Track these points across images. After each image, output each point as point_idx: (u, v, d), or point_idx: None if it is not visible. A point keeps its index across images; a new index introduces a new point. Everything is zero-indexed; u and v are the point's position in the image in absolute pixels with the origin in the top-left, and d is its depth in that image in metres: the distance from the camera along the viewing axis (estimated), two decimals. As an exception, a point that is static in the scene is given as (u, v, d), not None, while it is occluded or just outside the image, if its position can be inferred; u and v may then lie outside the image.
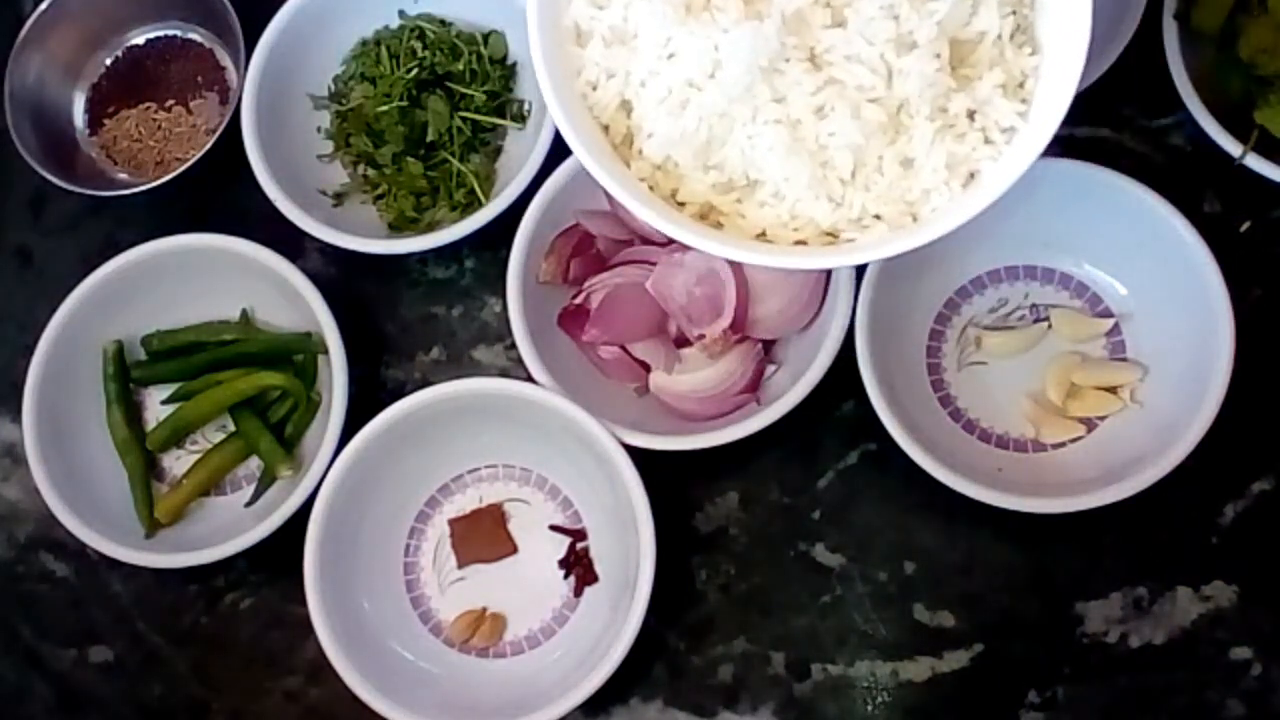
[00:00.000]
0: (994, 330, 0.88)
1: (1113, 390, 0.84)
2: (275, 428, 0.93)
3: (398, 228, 0.96)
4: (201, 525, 0.93)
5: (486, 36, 0.97)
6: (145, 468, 0.94)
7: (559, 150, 0.84)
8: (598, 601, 0.87)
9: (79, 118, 1.06)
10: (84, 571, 0.95)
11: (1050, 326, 0.87)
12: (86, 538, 0.89)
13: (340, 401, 0.88)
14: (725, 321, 0.84)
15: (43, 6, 1.02)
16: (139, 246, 0.93)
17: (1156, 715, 0.81)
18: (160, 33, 1.07)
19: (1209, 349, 0.79)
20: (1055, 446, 0.85)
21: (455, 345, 0.95)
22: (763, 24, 0.71)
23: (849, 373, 0.82)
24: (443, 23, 0.98)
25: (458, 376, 0.88)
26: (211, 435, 0.96)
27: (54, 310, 0.93)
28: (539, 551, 0.89)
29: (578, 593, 0.88)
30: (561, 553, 0.89)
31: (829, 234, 0.75)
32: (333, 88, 1.00)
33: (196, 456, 0.95)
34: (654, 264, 0.86)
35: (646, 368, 0.88)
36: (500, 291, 0.88)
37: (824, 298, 0.85)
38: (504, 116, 0.97)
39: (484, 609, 0.89)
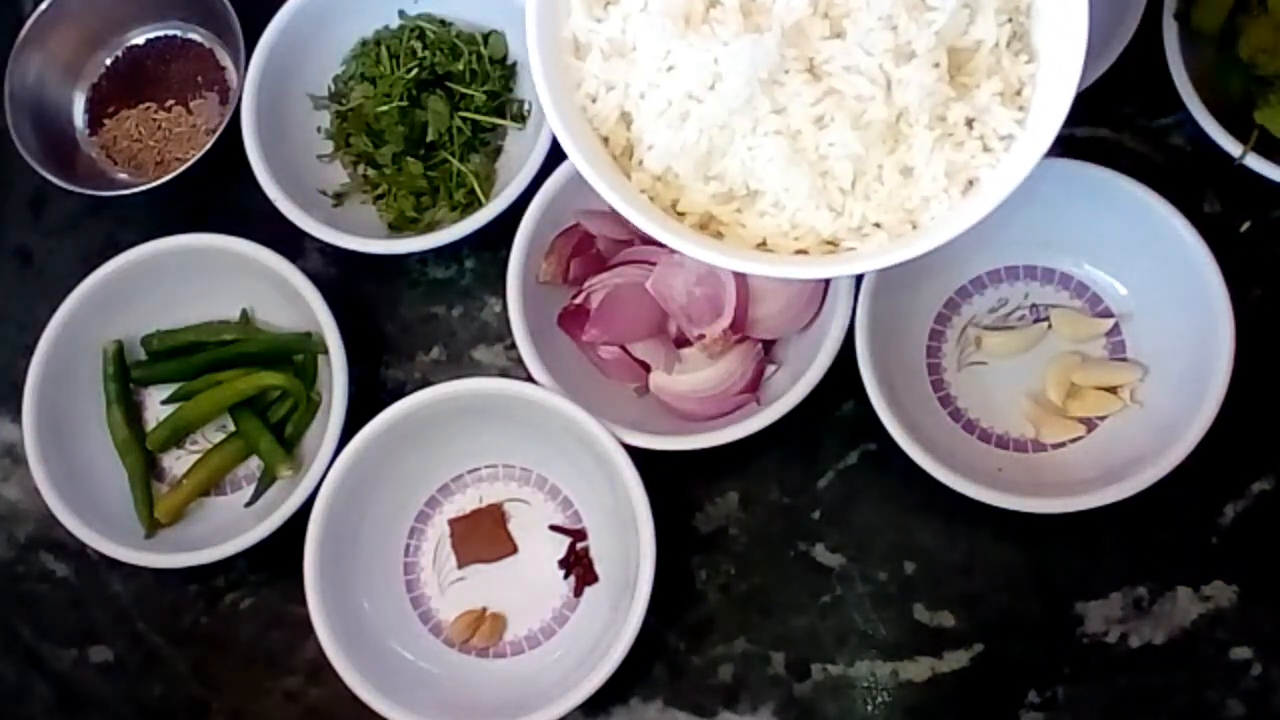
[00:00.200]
0: (994, 330, 0.88)
1: (1113, 390, 0.84)
2: (275, 428, 0.93)
3: (398, 228, 0.96)
4: (201, 525, 0.93)
5: (486, 36, 0.97)
6: (145, 468, 0.94)
7: (559, 150, 0.83)
8: (598, 601, 0.87)
9: (79, 118, 1.06)
10: (84, 571, 0.95)
11: (1050, 326, 0.87)
12: (86, 538, 0.89)
13: (340, 401, 0.88)
14: (725, 321, 0.84)
15: (43, 6, 1.02)
16: (139, 246, 0.93)
17: (1156, 715, 0.81)
18: (160, 33, 1.07)
19: (1209, 349, 0.79)
20: (1055, 446, 0.85)
21: (455, 345, 0.95)
22: (763, 36, 0.71)
23: (849, 373, 0.82)
24: (443, 23, 0.98)
25: (458, 376, 0.88)
26: (211, 435, 0.96)
27: (54, 310, 0.93)
28: (539, 551, 0.89)
29: (578, 593, 0.88)
30: (561, 553, 0.89)
31: (829, 242, 0.75)
32: (333, 88, 1.00)
33: (196, 456, 0.95)
34: (654, 264, 0.86)
35: (646, 368, 0.88)
36: (500, 291, 0.88)
37: (824, 298, 0.86)
38: (504, 116, 0.97)
39: (484, 609, 0.89)
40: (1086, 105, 0.79)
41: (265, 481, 0.93)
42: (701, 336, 0.85)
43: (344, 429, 0.87)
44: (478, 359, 0.95)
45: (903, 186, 0.74)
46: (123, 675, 0.93)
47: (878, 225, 0.74)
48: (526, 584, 0.89)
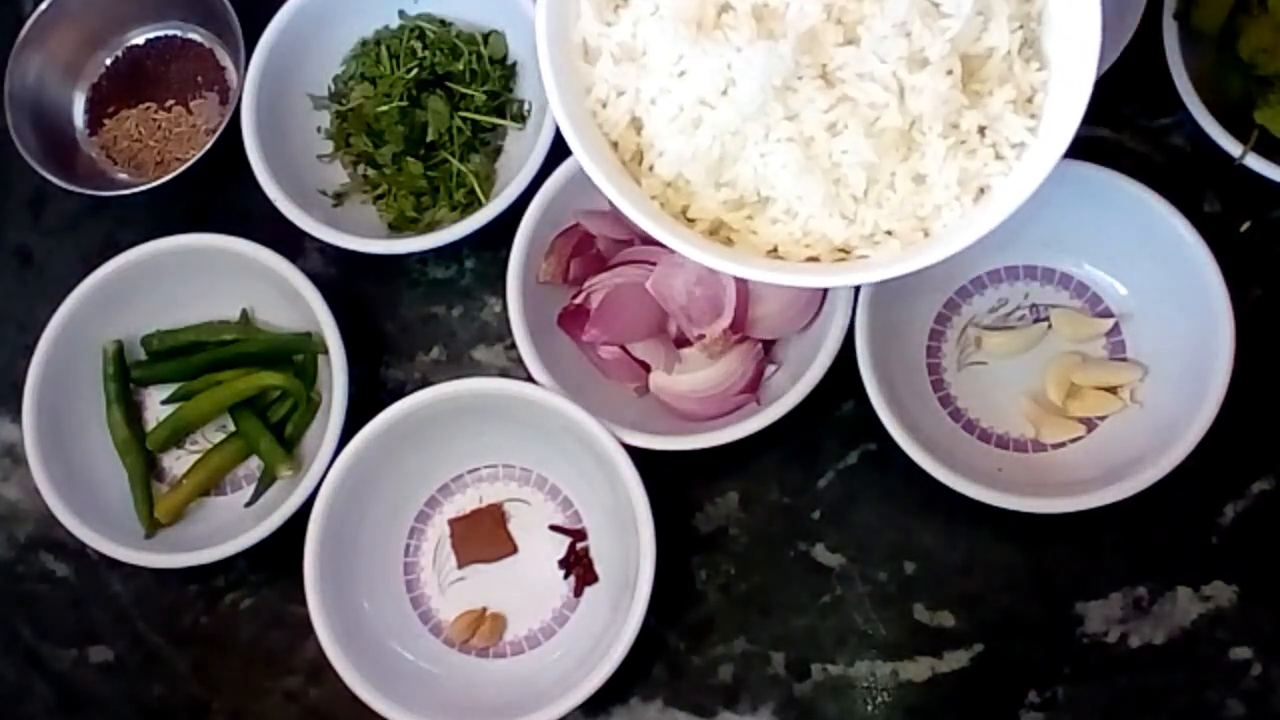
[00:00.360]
0: (994, 330, 0.88)
1: (1113, 390, 0.84)
2: (275, 428, 0.93)
3: (398, 228, 0.96)
4: (201, 525, 0.93)
5: (486, 36, 0.97)
6: (145, 468, 0.94)
7: (559, 150, 0.84)
8: (598, 601, 0.87)
9: (79, 118, 1.06)
10: (84, 571, 0.95)
11: (1050, 326, 0.87)
12: (86, 538, 0.89)
13: (340, 401, 0.88)
14: (725, 321, 0.84)
15: (43, 6, 1.02)
16: (139, 246, 0.93)
17: (1156, 715, 0.81)
18: (160, 33, 1.07)
19: (1209, 349, 0.79)
20: (1055, 446, 0.85)
21: (455, 345, 0.95)
22: (777, 43, 0.71)
23: (849, 373, 0.82)
24: (443, 23, 0.98)
25: (458, 376, 0.88)
26: (211, 435, 0.96)
27: (54, 310, 0.93)
28: (539, 551, 0.89)
29: (578, 593, 0.88)
30: (561, 553, 0.89)
31: (841, 250, 0.75)
32: (333, 88, 1.00)
33: (196, 456, 0.95)
34: (654, 264, 0.86)
35: (646, 368, 0.88)
36: (500, 291, 0.88)
37: (824, 298, 0.85)
38: (504, 116, 0.97)
39: (484, 609, 0.89)
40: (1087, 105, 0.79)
41: (265, 481, 0.93)
42: (701, 336, 0.85)
43: (344, 429, 0.87)
44: (478, 359, 0.95)
45: (915, 194, 0.73)
46: (123, 675, 0.93)
47: (890, 233, 0.74)
48: (526, 584, 0.89)
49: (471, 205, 0.94)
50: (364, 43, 0.99)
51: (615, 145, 0.77)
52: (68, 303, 0.93)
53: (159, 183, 0.96)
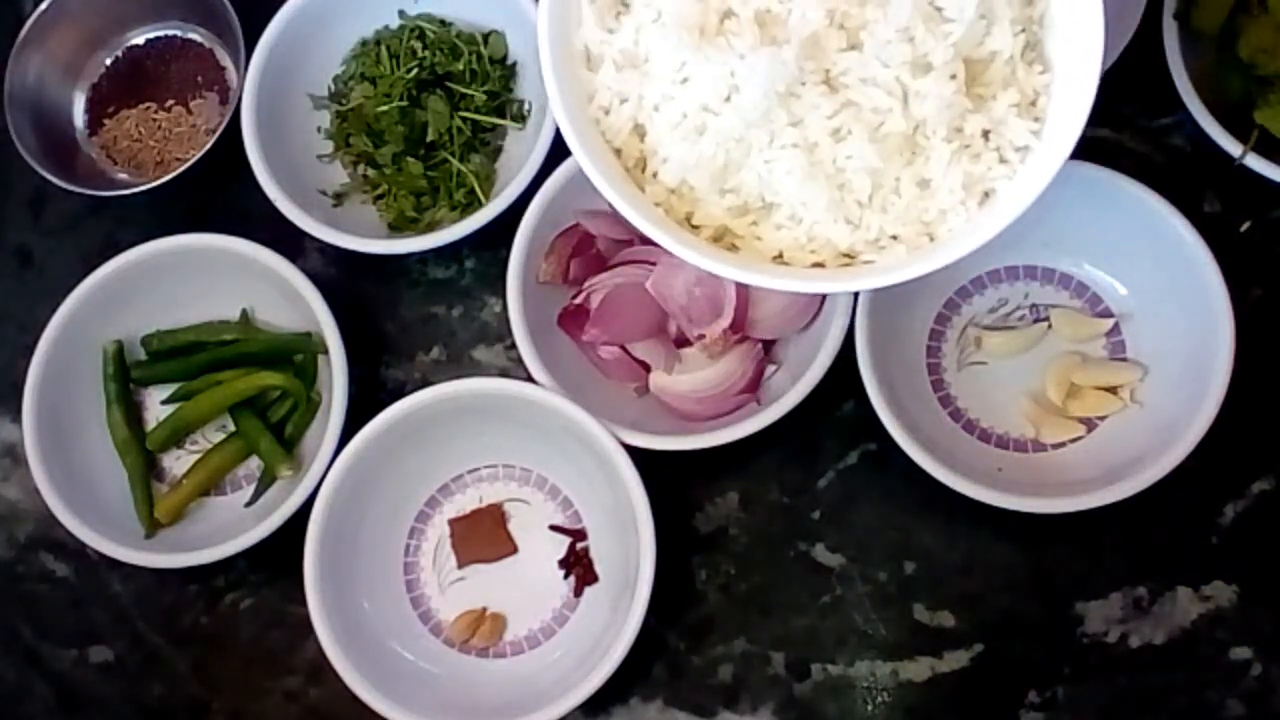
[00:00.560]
0: (994, 330, 0.88)
1: (1113, 390, 0.84)
2: (275, 428, 0.93)
3: (398, 228, 0.96)
4: (201, 525, 0.93)
5: (486, 36, 0.97)
6: (145, 468, 0.94)
7: (559, 150, 0.84)
8: (598, 601, 0.87)
9: (79, 118, 1.06)
10: (84, 571, 0.95)
11: (1050, 326, 0.87)
12: (86, 538, 0.89)
13: (340, 401, 0.88)
14: (725, 321, 0.84)
15: (43, 6, 1.02)
16: (139, 246, 0.93)
17: (1156, 715, 0.81)
18: (160, 33, 1.07)
19: (1209, 349, 0.79)
20: (1055, 446, 0.85)
21: (455, 345, 0.95)
22: (781, 49, 0.71)
23: (849, 373, 0.82)
24: (443, 23, 0.98)
25: (458, 376, 0.88)
26: (211, 435, 0.96)
27: (54, 310, 0.93)
28: (539, 551, 0.89)
29: (578, 593, 0.88)
30: (561, 553, 0.89)
31: (846, 255, 0.75)
32: (333, 88, 1.00)
33: (196, 456, 0.95)
34: (654, 264, 0.86)
35: (646, 368, 0.88)
36: (500, 291, 0.88)
37: (824, 298, 0.85)
38: (504, 116, 0.97)
39: (484, 609, 0.89)
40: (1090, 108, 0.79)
41: (265, 481, 0.93)
42: (701, 336, 0.85)
43: (344, 429, 0.87)
44: (478, 359, 0.95)
45: (920, 199, 0.73)
46: (123, 675, 0.93)
47: (895, 238, 0.74)
48: (526, 584, 0.89)
49: (471, 205, 0.94)
50: (364, 43, 0.99)
51: (618, 152, 0.77)
52: (68, 303, 0.93)
53: (159, 183, 0.96)
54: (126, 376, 0.96)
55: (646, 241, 0.87)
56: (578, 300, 0.88)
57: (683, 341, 0.87)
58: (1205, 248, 0.80)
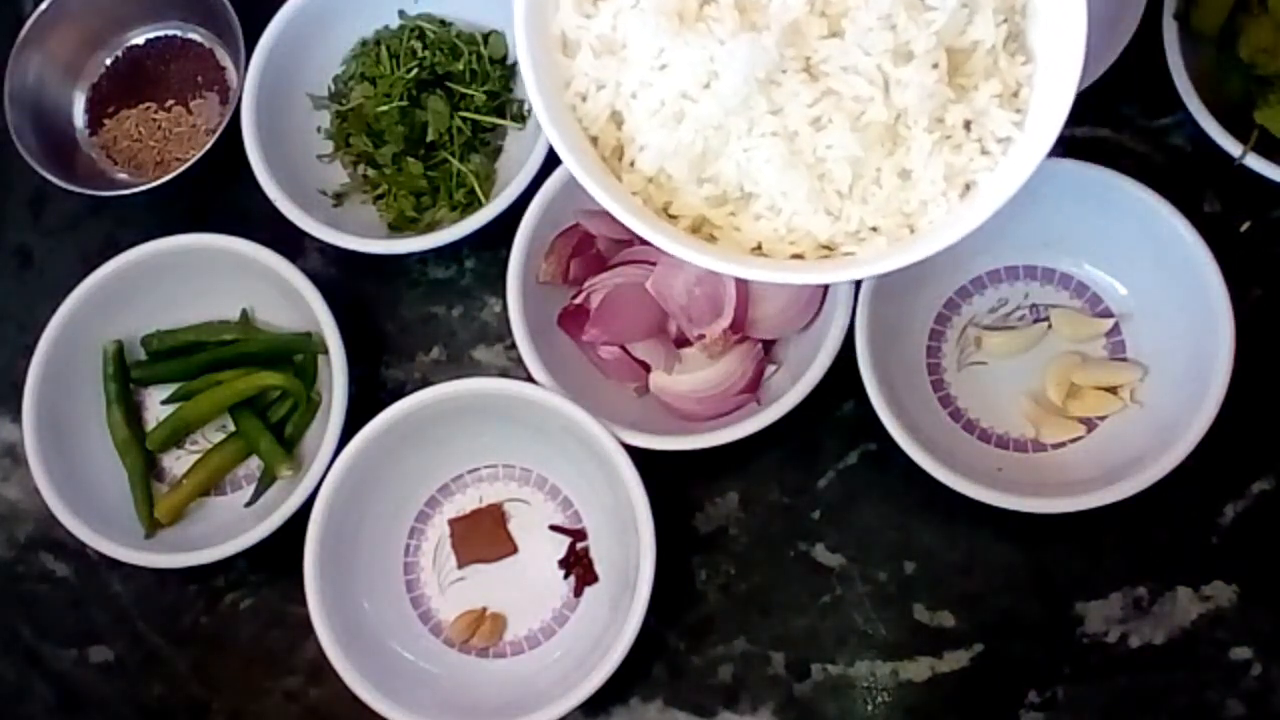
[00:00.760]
0: (994, 330, 0.88)
1: (1113, 390, 0.84)
2: (275, 428, 0.93)
3: (398, 228, 0.96)
4: (201, 525, 0.93)
5: (486, 36, 0.97)
6: (145, 468, 0.94)
7: (559, 150, 0.84)
8: (598, 601, 0.87)
9: (79, 118, 1.06)
10: (84, 571, 0.95)
11: (1050, 326, 0.87)
12: (86, 538, 0.89)
13: (340, 401, 0.88)
14: (725, 321, 0.84)
15: (43, 6, 1.02)
16: (139, 246, 0.93)
17: (1156, 715, 0.81)
18: (160, 33, 1.07)
19: (1209, 349, 0.79)
20: (1055, 446, 0.85)
21: (455, 345, 0.95)
22: (761, 35, 0.70)
23: (849, 373, 0.82)
24: (443, 23, 0.98)
25: (458, 376, 0.88)
26: (211, 435, 0.96)
27: (54, 310, 0.93)
28: (539, 551, 0.89)
29: (578, 593, 0.88)
30: (561, 553, 0.89)
31: (826, 247, 0.74)
32: (333, 88, 1.00)
33: (196, 456, 0.95)
34: (654, 264, 0.86)
35: (646, 368, 0.88)
36: (500, 291, 0.88)
37: (824, 298, 0.85)
38: (504, 116, 0.97)
39: (484, 609, 0.89)
40: (1086, 105, 0.79)
41: (265, 481, 0.93)
42: (701, 336, 0.85)
43: (344, 429, 0.87)
44: (478, 359, 0.95)
45: (901, 190, 0.73)
46: (123, 675, 0.93)
47: (875, 230, 0.74)
48: (526, 584, 0.89)
49: (471, 205, 0.94)
50: (364, 43, 0.99)
51: (595, 141, 0.76)
52: (68, 303, 0.93)
53: (159, 183, 0.96)
54: (126, 376, 0.96)
55: (646, 242, 0.87)
56: (578, 300, 0.88)
57: (683, 341, 0.87)
58: (1205, 248, 0.80)
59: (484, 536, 0.90)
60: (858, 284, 0.83)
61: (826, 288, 0.85)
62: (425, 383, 0.90)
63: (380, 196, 0.97)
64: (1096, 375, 0.85)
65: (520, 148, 0.95)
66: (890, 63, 0.71)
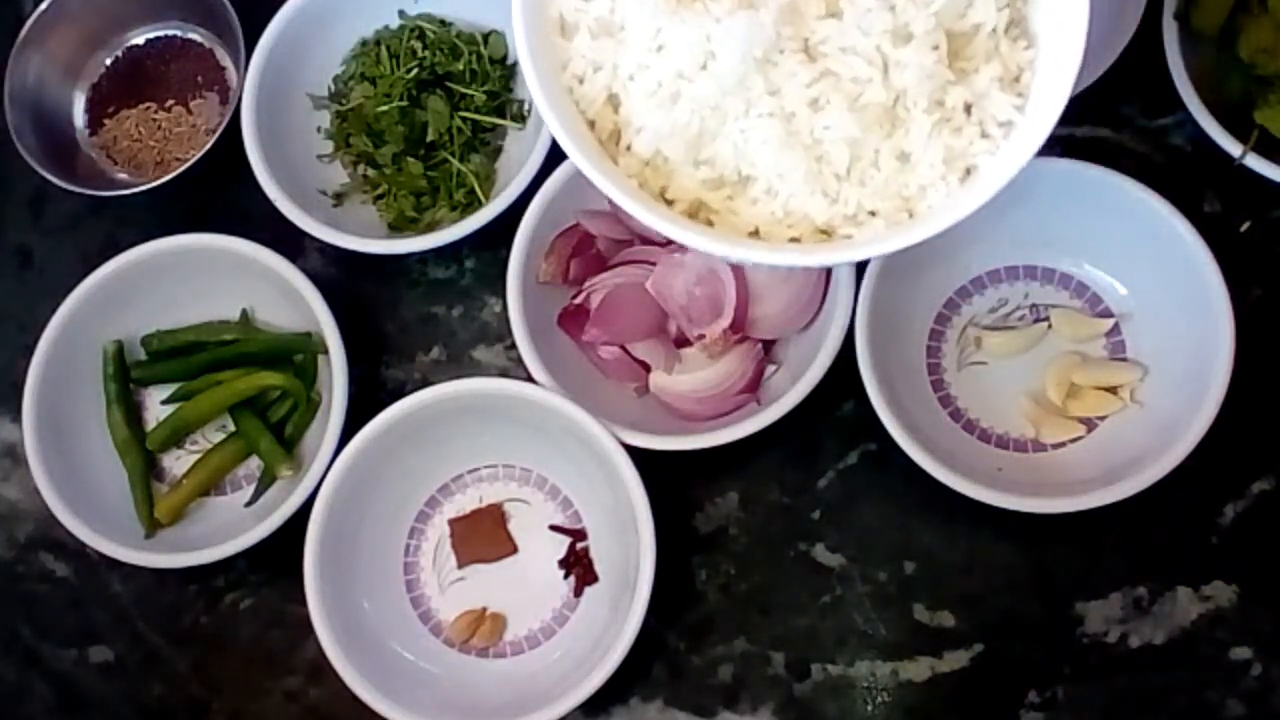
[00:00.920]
0: (994, 330, 0.88)
1: (1113, 390, 0.84)
2: (275, 428, 0.93)
3: (398, 228, 0.96)
4: (201, 525, 0.93)
5: (486, 36, 0.97)
6: (145, 468, 0.94)
7: (559, 150, 0.83)
8: (598, 601, 0.87)
9: (79, 118, 1.06)
10: (84, 571, 0.95)
11: (1050, 326, 0.87)
12: (86, 538, 0.89)
13: (340, 401, 0.88)
14: (725, 321, 0.84)
15: (43, 6, 1.02)
16: (139, 246, 0.93)
17: (1156, 715, 0.81)
18: (160, 33, 1.07)
19: (1209, 349, 0.79)
20: (1055, 446, 0.85)
21: (455, 345, 0.95)
22: (758, 13, 0.70)
23: (849, 373, 0.82)
24: (443, 23, 0.98)
25: (458, 376, 0.88)
26: (211, 435, 0.96)
27: (54, 310, 0.93)
28: (539, 551, 0.89)
29: (578, 593, 0.88)
30: (561, 553, 0.89)
31: (823, 231, 0.74)
32: (333, 88, 1.00)
33: (196, 456, 0.95)
34: (654, 264, 0.86)
35: (646, 368, 0.88)
36: (500, 291, 0.88)
37: (824, 298, 0.85)
38: (504, 116, 0.97)
39: (484, 609, 0.89)
40: (1086, 105, 0.79)
41: (265, 481, 0.93)
42: (701, 336, 0.85)
43: (344, 429, 0.87)
44: (478, 359, 0.95)
45: (900, 173, 0.72)
46: (123, 675, 0.93)
47: (873, 214, 0.73)
48: (526, 584, 0.89)
49: (471, 205, 0.94)
50: (364, 43, 0.99)
51: (592, 124, 0.75)
52: (68, 303, 0.93)
53: (159, 183, 0.96)
54: (126, 376, 0.96)
55: (646, 241, 0.87)
56: (578, 300, 0.88)
57: (683, 341, 0.87)
58: (1205, 248, 0.80)
59: (484, 536, 0.90)
60: (858, 283, 0.83)
61: (826, 287, 0.85)
62: (425, 383, 0.90)
63: (380, 196, 0.97)
64: (1096, 375, 0.85)
65: (520, 148, 0.95)
66: (889, 43, 0.70)
